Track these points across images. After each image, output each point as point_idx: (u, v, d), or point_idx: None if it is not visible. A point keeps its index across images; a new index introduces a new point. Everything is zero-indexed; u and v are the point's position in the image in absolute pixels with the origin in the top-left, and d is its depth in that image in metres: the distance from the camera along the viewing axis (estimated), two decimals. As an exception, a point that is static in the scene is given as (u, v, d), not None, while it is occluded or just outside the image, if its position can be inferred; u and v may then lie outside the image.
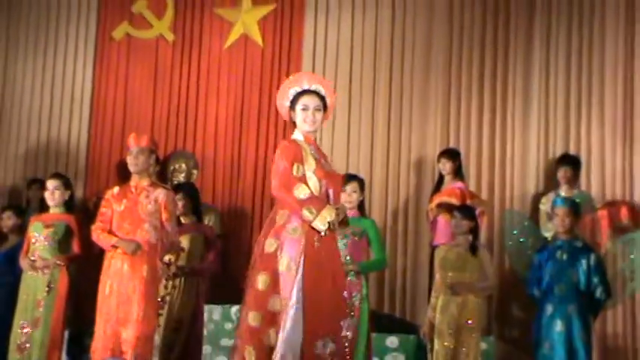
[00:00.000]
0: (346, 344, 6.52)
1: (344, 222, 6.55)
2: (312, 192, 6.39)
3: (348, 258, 8.49)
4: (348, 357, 6.57)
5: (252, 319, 6.22)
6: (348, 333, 6.56)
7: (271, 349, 6.16)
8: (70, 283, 9.15)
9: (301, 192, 6.37)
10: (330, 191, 6.58)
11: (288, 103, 6.74)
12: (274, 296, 6.23)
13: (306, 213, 6.24)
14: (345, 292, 6.61)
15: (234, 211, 11.85)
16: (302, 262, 6.31)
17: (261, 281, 6.27)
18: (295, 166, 6.49)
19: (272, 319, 6.23)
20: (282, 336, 6.16)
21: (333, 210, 6.32)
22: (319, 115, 6.66)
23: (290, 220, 6.36)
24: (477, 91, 11.39)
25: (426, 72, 11.57)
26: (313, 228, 6.29)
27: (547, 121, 11.14)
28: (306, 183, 6.45)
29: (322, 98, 6.71)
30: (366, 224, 8.87)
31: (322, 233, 6.33)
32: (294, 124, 6.74)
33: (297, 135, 6.68)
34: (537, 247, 9.40)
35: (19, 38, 12.86)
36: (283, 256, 6.29)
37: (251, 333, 6.25)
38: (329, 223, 6.28)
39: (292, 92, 6.74)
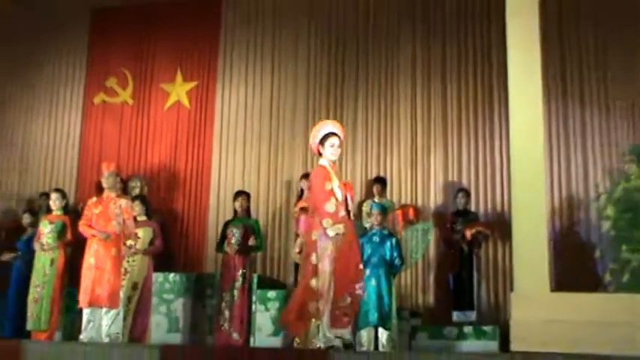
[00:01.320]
0: (356, 299, 6.64)
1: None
2: (337, 204, 6.59)
3: (241, 242, 9.36)
4: (356, 306, 6.72)
5: (314, 283, 6.52)
6: (359, 292, 6.63)
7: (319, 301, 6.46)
8: (65, 259, 9.53)
9: (330, 206, 6.59)
10: (348, 195, 6.79)
11: (317, 141, 6.87)
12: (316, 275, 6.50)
13: (324, 223, 6.51)
14: (360, 266, 6.72)
15: (171, 211, 11.82)
16: (332, 253, 6.53)
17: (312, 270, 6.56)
18: (326, 183, 6.68)
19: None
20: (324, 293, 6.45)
21: (342, 226, 6.52)
22: (339, 150, 6.87)
23: (321, 239, 6.55)
24: None
25: (292, 122, 11.73)
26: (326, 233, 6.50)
27: (366, 154, 11.31)
28: (334, 194, 6.64)
29: (340, 138, 6.87)
30: (253, 221, 9.66)
31: (331, 236, 6.50)
32: (320, 155, 6.91)
33: (324, 162, 6.82)
34: (360, 233, 9.08)
35: (34, 103, 12.98)
36: (320, 260, 6.52)
37: (313, 292, 6.52)
38: (337, 234, 6.49)
39: (322, 133, 6.89)
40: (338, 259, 6.55)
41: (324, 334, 6.47)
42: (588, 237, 10.18)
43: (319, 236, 6.60)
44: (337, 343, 6.48)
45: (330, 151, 6.85)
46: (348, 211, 6.79)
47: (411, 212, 10.39)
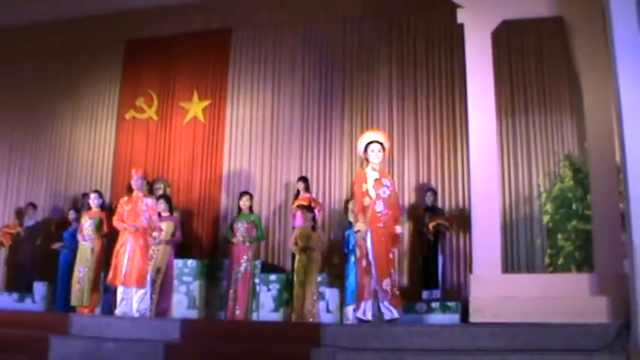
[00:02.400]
0: (394, 283, 6.58)
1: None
2: (371, 200, 6.60)
3: (245, 235, 9.26)
4: (395, 288, 6.58)
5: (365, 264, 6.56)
6: (395, 277, 6.63)
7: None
8: (102, 248, 9.65)
9: (365, 201, 6.65)
10: (380, 191, 6.67)
11: (362, 149, 6.88)
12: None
13: (354, 219, 6.82)
14: (391, 255, 6.67)
15: (188, 209, 11.77)
16: (372, 243, 6.55)
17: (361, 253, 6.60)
18: (363, 185, 6.69)
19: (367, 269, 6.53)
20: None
21: (365, 224, 6.55)
22: (380, 154, 6.81)
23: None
24: (315, 143, 11.52)
25: (289, 134, 11.69)
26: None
27: (352, 159, 11.18)
28: (368, 194, 6.64)
29: (381, 143, 6.87)
30: (255, 217, 9.62)
31: (356, 229, 6.67)
32: (367, 160, 6.88)
33: (369, 166, 6.80)
34: (346, 226, 9.53)
35: (77, 119, 13.02)
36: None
37: (365, 270, 6.59)
38: (359, 230, 6.60)
39: (364, 142, 6.90)
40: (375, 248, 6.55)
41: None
42: (532, 227, 10.22)
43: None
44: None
45: (372, 157, 6.83)
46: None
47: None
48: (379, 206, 6.66)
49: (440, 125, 11.14)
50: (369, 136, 7.01)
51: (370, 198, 6.66)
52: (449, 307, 9.28)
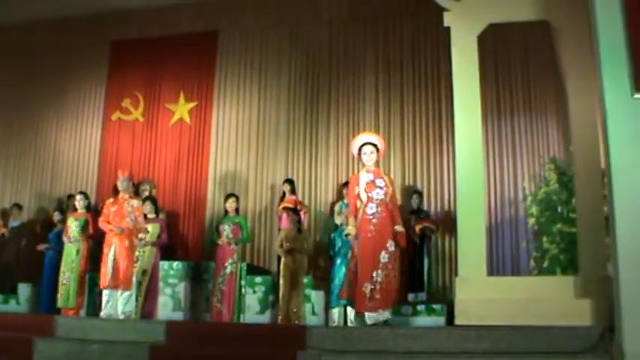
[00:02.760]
0: (377, 286, 6.48)
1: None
2: (362, 203, 6.65)
3: (231, 236, 9.22)
4: (377, 292, 6.48)
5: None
6: (378, 279, 6.49)
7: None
8: (88, 249, 9.62)
9: (357, 204, 6.71)
10: (372, 193, 6.68)
11: (356, 150, 6.90)
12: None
13: (350, 221, 6.73)
14: (385, 254, 6.57)
15: (174, 211, 11.77)
16: (359, 246, 6.62)
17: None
18: (356, 188, 6.75)
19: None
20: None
21: (355, 228, 6.61)
22: (374, 155, 6.82)
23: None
24: (302, 146, 11.55)
25: (275, 136, 11.71)
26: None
27: (338, 162, 11.35)
28: (359, 197, 6.70)
29: (375, 145, 6.87)
30: (241, 219, 9.59)
31: (346, 232, 6.79)
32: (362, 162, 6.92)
33: (364, 169, 6.87)
34: (333, 229, 9.63)
35: (63, 120, 12.95)
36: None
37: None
38: (348, 234, 6.72)
39: (357, 144, 6.91)
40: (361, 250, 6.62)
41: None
42: (517, 230, 10.28)
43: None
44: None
45: (365, 158, 6.88)
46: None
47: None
48: (371, 209, 6.68)
49: (426, 128, 11.18)
50: (361, 138, 7.02)
51: (361, 201, 6.70)
52: (434, 310, 9.28)
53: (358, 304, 6.58)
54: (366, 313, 6.49)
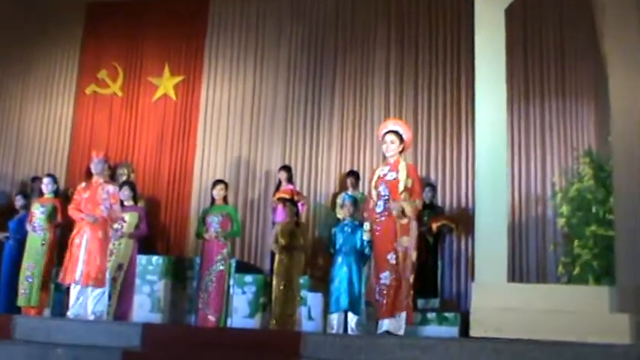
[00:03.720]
0: (383, 290, 6.65)
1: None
2: (373, 202, 6.89)
3: (219, 229, 9.14)
4: (389, 297, 6.63)
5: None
6: (385, 282, 6.64)
7: None
8: (55, 240, 9.56)
9: (371, 204, 6.95)
10: (380, 189, 6.88)
11: (380, 139, 7.08)
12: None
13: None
14: (393, 255, 6.68)
15: (155, 198, 11.82)
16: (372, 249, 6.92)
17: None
18: (373, 183, 6.98)
19: None
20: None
21: (369, 225, 6.88)
22: (394, 145, 6.93)
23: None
24: (301, 129, 11.63)
25: (271, 118, 11.78)
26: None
27: (341, 149, 11.40)
28: (371, 195, 6.95)
29: (400, 134, 6.98)
30: (230, 209, 9.49)
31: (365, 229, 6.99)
32: None
33: (385, 161, 7.07)
34: (334, 223, 9.58)
35: (29, 92, 12.90)
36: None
37: None
38: (367, 231, 6.94)
39: (381, 133, 7.06)
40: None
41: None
42: (544, 232, 10.30)
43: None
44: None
45: (384, 148, 7.03)
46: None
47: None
48: (379, 207, 6.85)
49: (442, 112, 11.23)
50: (386, 126, 7.16)
51: (372, 200, 6.90)
52: (447, 319, 9.19)
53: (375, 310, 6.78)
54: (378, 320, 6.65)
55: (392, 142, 6.95)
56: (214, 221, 9.41)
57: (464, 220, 10.43)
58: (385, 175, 6.91)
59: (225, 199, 9.63)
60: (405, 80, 11.42)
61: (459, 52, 11.18)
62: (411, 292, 6.93)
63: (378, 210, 6.83)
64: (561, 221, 9.01)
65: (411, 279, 6.85)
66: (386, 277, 6.65)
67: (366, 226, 6.99)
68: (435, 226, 10.08)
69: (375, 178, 6.95)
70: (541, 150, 10.71)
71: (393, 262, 6.68)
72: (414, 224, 6.93)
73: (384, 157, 7.15)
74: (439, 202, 10.72)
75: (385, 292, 6.64)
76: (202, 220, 9.57)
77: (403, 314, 6.75)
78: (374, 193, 6.89)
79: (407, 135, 7.06)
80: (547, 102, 10.82)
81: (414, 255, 6.92)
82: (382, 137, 7.04)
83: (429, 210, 10.32)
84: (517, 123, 10.69)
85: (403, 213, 6.76)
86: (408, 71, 11.43)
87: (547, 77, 10.90)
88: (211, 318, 9.09)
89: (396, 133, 6.99)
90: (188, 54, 12.37)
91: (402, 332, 6.70)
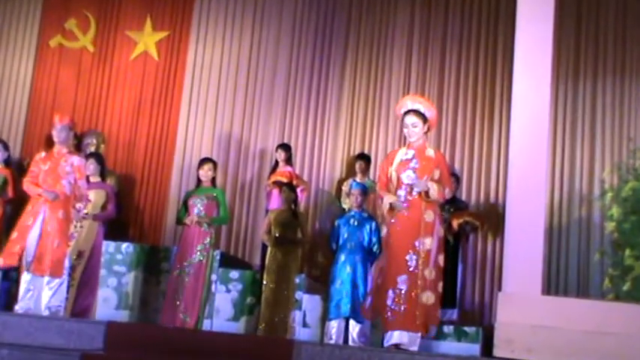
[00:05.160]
0: (400, 297, 6.67)
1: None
2: (393, 187, 6.93)
3: (203, 213, 9.12)
4: (401, 305, 6.68)
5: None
6: (402, 287, 6.67)
7: None
8: (3, 218, 9.63)
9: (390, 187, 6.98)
10: (403, 175, 6.94)
11: (400, 120, 7.20)
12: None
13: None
14: (413, 256, 6.72)
15: (128, 175, 11.82)
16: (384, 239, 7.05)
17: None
18: (389, 169, 6.99)
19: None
20: None
21: (392, 197, 6.88)
22: (416, 129, 6.96)
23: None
24: (305, 102, 11.65)
25: (270, 87, 11.77)
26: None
27: (351, 127, 11.44)
28: (391, 179, 6.98)
29: (421, 113, 7.00)
30: (217, 192, 9.43)
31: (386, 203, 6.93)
32: None
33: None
34: (338, 214, 9.71)
35: None
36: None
37: None
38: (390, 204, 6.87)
39: (400, 113, 7.13)
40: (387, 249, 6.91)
41: None
42: (588, 237, 10.29)
43: None
44: None
45: (405, 132, 7.11)
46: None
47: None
48: (399, 196, 6.90)
49: (473, 89, 11.23)
50: (405, 103, 7.20)
51: (392, 184, 6.96)
52: (466, 334, 9.23)
53: (380, 319, 6.82)
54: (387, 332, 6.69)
55: (414, 126, 6.99)
56: (198, 204, 9.40)
57: (492, 218, 10.49)
58: (409, 160, 6.96)
59: (213, 180, 9.61)
60: (431, 49, 11.43)
61: (496, 17, 11.17)
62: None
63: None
64: (610, 225, 9.04)
65: (440, 287, 6.91)
66: (403, 281, 6.69)
67: (389, 198, 6.92)
68: (456, 223, 10.05)
69: (398, 161, 6.99)
70: (590, 140, 10.67)
71: (413, 264, 6.72)
72: (438, 224, 6.98)
73: (405, 140, 7.19)
74: (463, 196, 10.75)
75: (401, 300, 6.67)
76: (184, 204, 9.57)
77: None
78: (394, 176, 6.94)
79: (430, 113, 7.07)
80: (600, 83, 10.76)
81: (440, 259, 6.96)
82: (402, 118, 7.09)
83: (450, 204, 10.22)
84: (562, 106, 10.68)
85: (427, 195, 6.81)
86: (434, 39, 11.46)
87: (603, 54, 10.83)
88: (185, 318, 9.03)
89: (417, 112, 7.01)
90: (175, 6, 12.36)
91: (415, 348, 6.70)
